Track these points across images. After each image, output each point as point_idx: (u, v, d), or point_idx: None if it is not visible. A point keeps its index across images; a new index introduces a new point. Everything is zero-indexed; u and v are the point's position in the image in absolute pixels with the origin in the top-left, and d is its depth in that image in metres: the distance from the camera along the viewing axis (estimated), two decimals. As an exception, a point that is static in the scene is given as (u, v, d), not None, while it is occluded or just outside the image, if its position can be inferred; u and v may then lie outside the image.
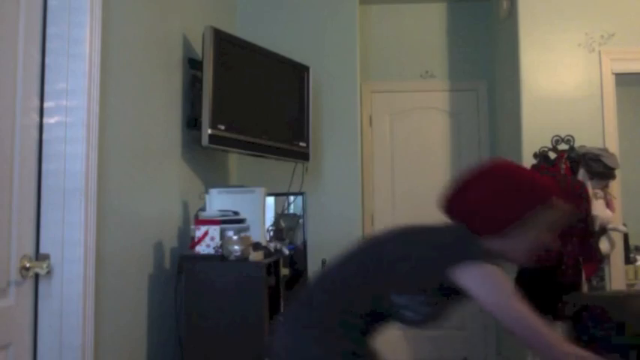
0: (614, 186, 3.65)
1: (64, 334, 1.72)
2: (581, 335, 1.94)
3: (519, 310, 1.40)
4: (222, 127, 2.80)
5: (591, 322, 2.16)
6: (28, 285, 1.67)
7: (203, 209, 2.80)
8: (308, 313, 1.54)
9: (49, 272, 1.69)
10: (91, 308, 1.78)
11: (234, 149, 2.99)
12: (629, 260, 3.84)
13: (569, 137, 3.67)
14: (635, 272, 3.81)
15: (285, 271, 3.21)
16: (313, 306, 1.55)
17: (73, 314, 1.73)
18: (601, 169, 3.48)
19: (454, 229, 1.57)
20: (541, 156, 3.62)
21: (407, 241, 1.56)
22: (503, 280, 1.43)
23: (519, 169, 1.54)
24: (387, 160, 4.48)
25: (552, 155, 3.63)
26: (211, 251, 2.46)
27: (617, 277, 3.71)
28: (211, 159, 3.28)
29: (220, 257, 2.45)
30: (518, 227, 1.50)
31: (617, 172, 3.59)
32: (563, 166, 3.57)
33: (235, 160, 3.79)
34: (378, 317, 1.57)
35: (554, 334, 1.39)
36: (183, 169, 2.83)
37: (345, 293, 1.53)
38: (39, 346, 1.71)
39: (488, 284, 1.42)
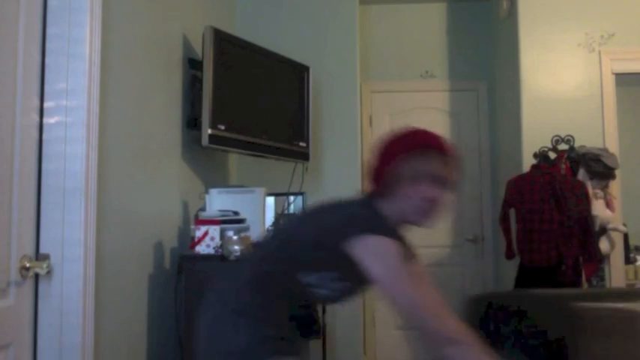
0: (614, 186, 3.66)
1: (64, 334, 1.72)
2: (487, 335, 1.92)
3: (408, 286, 1.37)
4: (222, 127, 2.80)
5: (496, 320, 2.17)
6: (28, 285, 1.67)
7: (203, 209, 2.80)
8: (232, 300, 1.52)
9: (49, 272, 1.69)
10: (90, 308, 1.78)
11: (234, 149, 2.99)
12: (629, 260, 3.85)
13: (569, 137, 3.67)
14: (635, 272, 3.81)
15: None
16: (238, 293, 1.52)
17: (73, 314, 1.73)
18: (601, 169, 3.48)
19: (357, 201, 1.57)
20: (541, 156, 3.62)
21: (311, 219, 1.56)
22: (396, 254, 1.39)
23: (413, 129, 1.55)
24: (387, 160, 4.48)
25: (552, 155, 3.63)
26: (211, 251, 2.46)
27: (617, 277, 3.71)
28: (211, 159, 3.28)
29: (220, 257, 2.45)
30: (398, 181, 1.48)
31: (617, 172, 3.59)
32: (563, 166, 3.57)
33: (235, 160, 3.79)
34: (297, 300, 1.56)
35: (444, 317, 1.34)
36: (183, 169, 2.83)
37: (263, 279, 1.52)
38: (39, 346, 1.71)
39: (379, 256, 1.39)
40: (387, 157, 1.51)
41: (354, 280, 1.52)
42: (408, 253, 1.59)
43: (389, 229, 1.46)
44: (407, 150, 1.49)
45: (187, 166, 2.88)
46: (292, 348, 1.54)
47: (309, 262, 1.50)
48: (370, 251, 1.40)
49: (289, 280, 1.51)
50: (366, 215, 1.49)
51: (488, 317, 2.09)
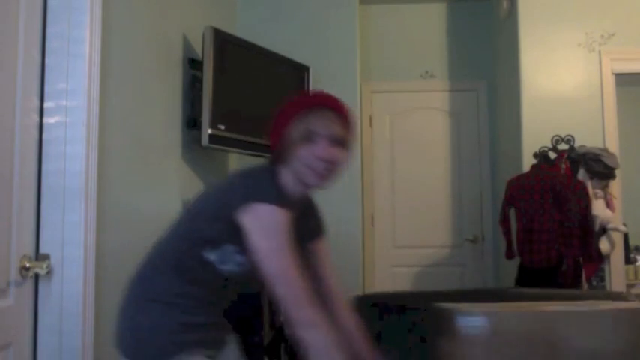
0: (614, 186, 3.65)
1: (64, 334, 1.72)
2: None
3: (281, 259, 1.37)
4: (222, 127, 2.80)
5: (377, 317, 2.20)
6: (28, 285, 1.67)
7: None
8: (148, 288, 1.49)
9: (49, 272, 1.69)
10: (91, 308, 1.78)
11: (234, 149, 2.99)
12: (629, 260, 3.85)
13: (569, 137, 3.67)
14: (635, 272, 3.82)
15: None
16: (154, 281, 1.49)
17: (73, 314, 1.73)
18: (601, 169, 3.48)
19: (257, 169, 1.50)
20: (541, 156, 3.62)
21: (214, 192, 1.52)
22: (279, 223, 1.37)
23: (308, 91, 1.53)
24: (387, 160, 4.48)
25: (552, 155, 3.63)
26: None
27: (617, 277, 3.71)
28: (211, 159, 3.28)
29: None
30: (293, 144, 1.44)
31: (617, 172, 3.59)
32: (563, 166, 3.57)
33: (235, 160, 3.79)
34: (207, 281, 1.50)
35: (305, 300, 1.36)
36: (183, 169, 2.83)
37: (172, 260, 1.48)
38: (39, 346, 1.71)
39: (260, 224, 1.38)
40: (282, 121, 1.49)
41: None
42: (310, 224, 1.64)
43: (279, 197, 1.42)
44: (300, 111, 1.47)
45: (187, 166, 2.88)
46: (208, 337, 1.49)
47: (211, 237, 1.45)
48: (253, 219, 1.37)
49: (196, 259, 1.46)
50: (257, 183, 1.44)
51: (372, 315, 2.13)
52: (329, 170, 1.45)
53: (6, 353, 1.56)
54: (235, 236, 1.41)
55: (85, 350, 1.74)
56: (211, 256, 1.46)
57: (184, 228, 1.52)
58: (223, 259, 1.47)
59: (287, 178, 1.48)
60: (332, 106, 1.50)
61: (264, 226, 1.38)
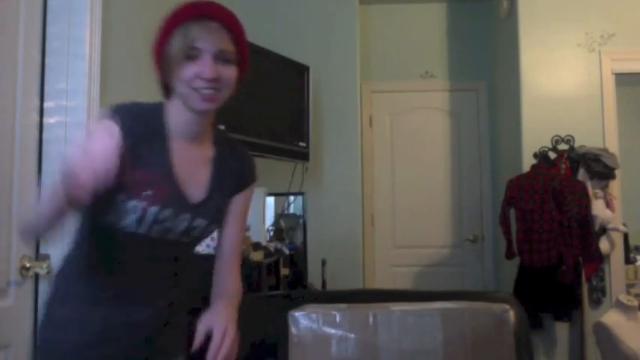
0: (614, 186, 3.65)
1: (64, 334, 1.71)
2: None
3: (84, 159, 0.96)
4: (222, 127, 2.80)
5: None
6: (28, 285, 1.67)
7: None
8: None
9: (49, 272, 1.69)
10: (91, 308, 1.78)
11: (234, 149, 2.98)
12: (629, 260, 3.85)
13: (569, 137, 3.67)
14: (635, 272, 3.81)
15: (285, 271, 3.21)
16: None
17: (73, 314, 1.73)
18: (601, 169, 3.48)
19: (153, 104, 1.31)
20: (541, 156, 3.62)
21: None
22: (106, 136, 1.01)
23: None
24: (387, 160, 4.48)
25: (552, 155, 3.63)
26: (211, 251, 2.46)
27: (617, 277, 3.71)
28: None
29: (220, 257, 2.45)
30: (172, 65, 1.21)
31: (617, 172, 3.59)
32: (563, 166, 3.57)
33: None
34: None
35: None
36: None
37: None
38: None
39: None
40: (159, 38, 1.24)
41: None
42: (228, 174, 1.37)
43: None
44: (177, 23, 1.22)
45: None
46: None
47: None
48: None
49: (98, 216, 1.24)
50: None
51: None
52: (216, 91, 1.24)
53: (5, 353, 1.56)
54: None
55: (85, 350, 1.74)
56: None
57: None
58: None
59: (177, 108, 1.28)
60: (215, 15, 1.24)
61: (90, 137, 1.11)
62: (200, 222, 1.31)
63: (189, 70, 1.20)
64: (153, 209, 1.21)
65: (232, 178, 1.38)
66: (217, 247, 1.43)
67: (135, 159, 1.18)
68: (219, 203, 1.35)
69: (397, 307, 1.34)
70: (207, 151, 1.36)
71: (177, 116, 1.28)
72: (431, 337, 1.27)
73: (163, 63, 1.24)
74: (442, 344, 1.27)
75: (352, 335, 1.31)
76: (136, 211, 1.20)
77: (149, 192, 1.21)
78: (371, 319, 1.31)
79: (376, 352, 1.29)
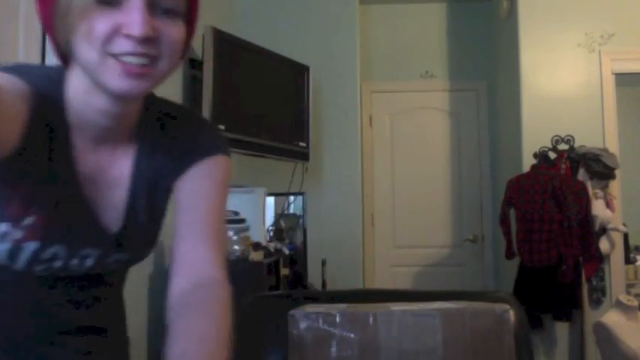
0: (614, 186, 3.65)
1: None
2: None
3: None
4: (222, 127, 2.80)
5: None
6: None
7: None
8: None
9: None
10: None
11: (234, 149, 2.99)
12: (629, 260, 3.85)
13: (569, 137, 3.67)
14: (635, 272, 3.82)
15: (285, 271, 3.21)
16: None
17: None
18: (601, 169, 3.48)
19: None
20: (541, 156, 3.62)
21: None
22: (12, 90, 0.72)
23: None
24: (387, 160, 4.48)
25: (552, 155, 3.63)
26: (211, 251, 2.46)
27: (617, 277, 3.72)
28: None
29: (220, 257, 2.45)
30: (69, 14, 0.72)
31: (617, 172, 3.59)
32: (563, 166, 3.57)
33: (235, 159, 3.78)
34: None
35: None
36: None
37: None
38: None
39: None
40: None
41: None
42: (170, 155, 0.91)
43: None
44: None
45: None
46: None
47: None
48: None
49: None
50: None
51: None
52: (149, 60, 0.75)
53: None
54: None
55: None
56: None
57: None
58: None
59: (79, 89, 0.81)
60: None
61: None
62: (119, 256, 0.92)
63: (103, 23, 0.71)
64: (30, 245, 0.81)
65: (165, 170, 0.90)
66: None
67: (23, 161, 0.77)
68: (144, 228, 0.92)
69: (397, 307, 1.34)
70: (127, 156, 0.89)
71: (80, 102, 0.81)
72: (431, 337, 1.28)
73: (58, 11, 0.74)
74: (442, 344, 1.27)
75: (352, 335, 1.31)
76: (5, 241, 0.80)
77: (29, 220, 0.80)
78: (371, 319, 1.31)
79: (376, 351, 1.29)
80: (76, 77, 0.80)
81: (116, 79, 0.73)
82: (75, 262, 0.87)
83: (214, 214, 0.90)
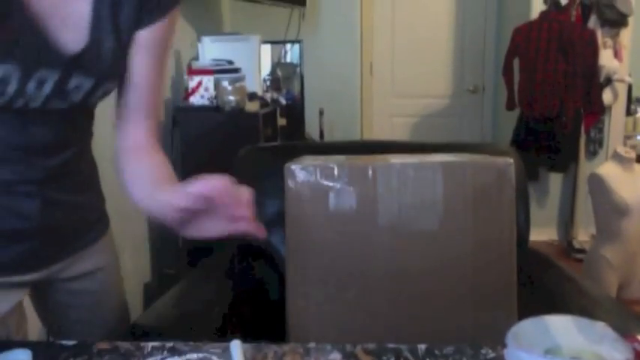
0: (625, 34, 3.50)
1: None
2: None
3: None
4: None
5: None
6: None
7: (196, 58, 2.69)
8: None
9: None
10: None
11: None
12: (629, 112, 3.80)
13: (583, -20, 3.44)
14: (635, 124, 3.79)
15: (282, 121, 3.18)
16: None
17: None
18: (614, 16, 3.31)
19: None
20: (551, 1, 3.42)
21: None
22: None
23: None
24: (387, 4, 4.24)
25: (564, 0, 3.43)
26: (206, 102, 2.40)
27: (616, 128, 3.70)
28: (203, 3, 3.09)
29: (215, 108, 2.40)
30: None
31: (630, 20, 3.42)
32: (574, 12, 3.40)
33: (228, 4, 3.58)
34: None
35: None
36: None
37: None
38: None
39: None
40: None
41: None
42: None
43: None
44: None
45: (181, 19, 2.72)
46: None
47: None
48: None
49: None
50: None
51: None
52: None
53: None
54: None
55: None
56: None
57: None
58: None
59: None
60: None
61: None
62: (80, 81, 0.84)
63: None
64: None
65: (130, 5, 0.86)
66: (120, 94, 0.94)
67: None
68: (110, 49, 0.86)
69: (397, 160, 1.31)
70: None
71: None
72: (431, 190, 1.26)
73: None
74: (442, 197, 1.26)
75: (351, 188, 1.29)
76: None
77: None
78: (370, 172, 1.28)
79: (375, 205, 1.28)
80: None
81: None
82: (31, 86, 0.79)
83: (157, 87, 0.96)
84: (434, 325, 1.25)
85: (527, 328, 0.76)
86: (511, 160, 1.26)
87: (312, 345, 0.83)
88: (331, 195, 1.29)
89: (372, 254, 1.26)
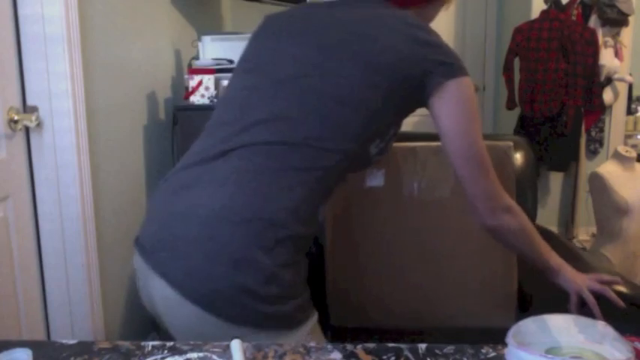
0: (626, 34, 3.50)
1: (62, 186, 1.71)
2: None
3: (482, 143, 1.07)
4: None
5: None
6: (19, 138, 1.63)
7: (196, 58, 2.68)
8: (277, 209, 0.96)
9: (38, 124, 1.64)
10: (85, 160, 1.76)
11: (227, -8, 2.80)
12: (629, 111, 3.80)
13: (583, -20, 3.44)
14: (635, 123, 3.79)
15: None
16: (292, 197, 0.98)
17: (69, 166, 1.71)
18: (615, 15, 3.31)
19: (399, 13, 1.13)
20: (552, 0, 3.42)
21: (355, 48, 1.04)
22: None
23: None
24: None
25: (564, 0, 3.43)
26: (206, 101, 2.40)
27: (617, 128, 3.70)
28: (203, 2, 3.09)
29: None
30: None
31: (631, 19, 3.42)
32: (575, 12, 3.39)
33: (228, 4, 3.58)
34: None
35: (496, 180, 1.09)
36: (174, 15, 2.67)
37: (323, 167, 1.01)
38: (38, 198, 1.71)
39: (468, 105, 1.09)
40: None
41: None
42: None
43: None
44: None
45: (178, 12, 2.72)
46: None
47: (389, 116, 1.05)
48: (460, 98, 1.03)
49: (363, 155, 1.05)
50: (437, 37, 1.11)
51: None
52: None
53: (5, 205, 1.56)
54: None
55: (84, 200, 1.75)
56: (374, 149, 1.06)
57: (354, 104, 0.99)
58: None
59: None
60: None
61: (469, 105, 1.04)
62: None
63: None
64: None
65: None
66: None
67: None
68: None
69: (419, 144, 1.47)
70: None
71: None
72: (445, 168, 1.41)
73: None
74: (453, 174, 1.38)
75: (383, 169, 1.49)
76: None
77: None
78: (398, 154, 1.45)
79: (400, 180, 1.45)
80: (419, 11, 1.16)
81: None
82: None
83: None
84: (447, 273, 1.43)
85: (527, 327, 0.76)
86: (511, 144, 1.43)
87: (312, 344, 0.83)
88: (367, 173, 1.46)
89: (398, 219, 1.45)
